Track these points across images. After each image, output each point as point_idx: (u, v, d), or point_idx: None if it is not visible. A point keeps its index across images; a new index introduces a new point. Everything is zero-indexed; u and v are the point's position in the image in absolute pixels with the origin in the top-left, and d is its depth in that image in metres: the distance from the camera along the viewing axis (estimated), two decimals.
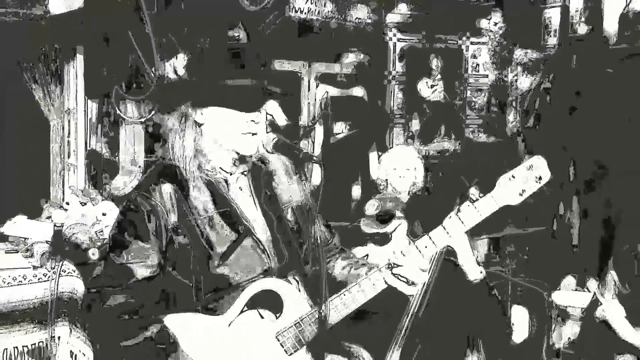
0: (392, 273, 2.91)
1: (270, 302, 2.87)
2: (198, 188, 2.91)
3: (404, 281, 2.91)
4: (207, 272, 2.85)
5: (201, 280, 2.86)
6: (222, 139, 2.94)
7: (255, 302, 2.85)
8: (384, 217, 4.58)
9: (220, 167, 2.97)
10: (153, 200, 2.84)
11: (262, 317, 2.85)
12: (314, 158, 3.13)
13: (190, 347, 2.75)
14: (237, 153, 2.96)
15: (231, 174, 3.01)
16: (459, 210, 2.98)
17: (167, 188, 2.87)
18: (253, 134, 2.92)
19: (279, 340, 2.85)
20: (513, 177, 2.91)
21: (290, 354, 2.85)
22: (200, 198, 2.90)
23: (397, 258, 2.90)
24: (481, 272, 4.45)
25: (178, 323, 2.78)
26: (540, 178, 2.90)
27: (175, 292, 2.87)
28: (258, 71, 3.06)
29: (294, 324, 2.86)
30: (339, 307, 2.90)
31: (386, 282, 2.92)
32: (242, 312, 2.84)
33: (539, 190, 2.91)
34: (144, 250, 2.82)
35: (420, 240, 2.92)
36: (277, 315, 2.87)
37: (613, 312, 4.40)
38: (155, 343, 2.72)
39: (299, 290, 2.94)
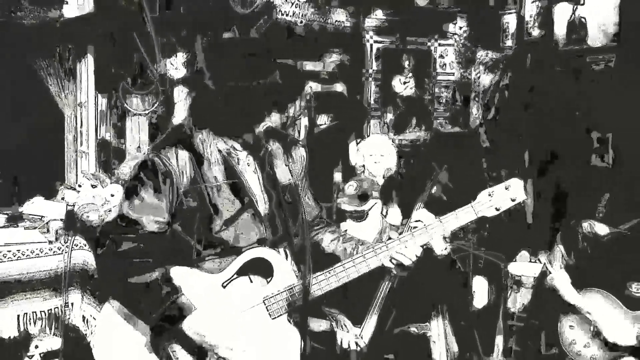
0: (390, 259, 2.94)
1: (261, 268, 2.87)
2: (212, 159, 2.89)
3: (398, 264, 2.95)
4: (209, 234, 2.84)
5: (202, 240, 2.85)
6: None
7: (248, 268, 2.85)
8: (362, 197, 4.62)
9: (232, 146, 2.95)
10: (170, 164, 2.80)
11: (251, 282, 2.86)
12: (299, 142, 3.18)
13: (189, 296, 2.76)
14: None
15: (241, 151, 2.97)
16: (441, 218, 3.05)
17: (183, 155, 2.83)
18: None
19: (265, 304, 2.86)
20: (491, 194, 2.93)
21: (274, 318, 2.85)
22: (213, 168, 2.88)
23: (401, 249, 2.93)
24: (446, 249, 4.51)
25: (180, 274, 2.79)
26: (514, 199, 2.94)
27: (178, 247, 2.86)
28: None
29: (283, 292, 2.87)
30: (324, 284, 2.91)
31: (383, 265, 2.94)
32: (235, 274, 2.85)
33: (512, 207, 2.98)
34: (155, 207, 2.79)
35: (417, 232, 2.96)
36: (268, 280, 2.88)
37: (560, 280, 4.47)
38: (160, 284, 2.73)
39: (287, 261, 2.93)
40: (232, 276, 2.85)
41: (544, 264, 4.68)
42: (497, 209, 2.93)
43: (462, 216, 2.95)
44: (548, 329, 4.79)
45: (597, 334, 4.28)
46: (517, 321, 5.34)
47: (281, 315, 2.86)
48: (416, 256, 2.95)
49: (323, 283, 2.91)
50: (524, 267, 5.35)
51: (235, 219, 2.88)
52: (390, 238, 3.05)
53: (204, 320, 2.76)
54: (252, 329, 2.82)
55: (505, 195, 2.93)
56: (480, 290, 5.52)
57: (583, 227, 4.56)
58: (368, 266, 2.93)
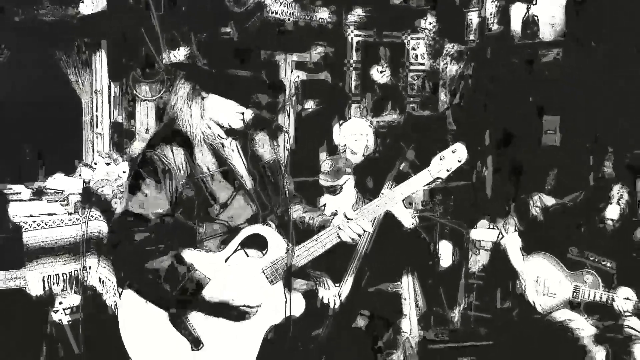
0: (345, 234, 2.99)
1: (257, 243, 2.95)
2: (201, 151, 2.91)
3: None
4: (208, 217, 2.90)
5: (203, 224, 2.92)
6: (218, 115, 2.93)
7: (246, 243, 2.93)
8: (336, 173, 4.61)
9: (218, 135, 2.98)
10: (168, 161, 2.83)
11: (247, 256, 2.94)
12: (283, 128, 3.20)
13: (202, 270, 2.83)
14: (223, 125, 2.96)
15: (225, 139, 3.01)
16: (393, 182, 3.15)
17: (179, 151, 2.86)
18: (242, 114, 2.93)
19: (264, 273, 2.94)
20: (442, 157, 3.03)
21: (272, 283, 2.94)
22: (204, 159, 2.91)
23: (348, 226, 2.99)
24: (413, 223, 4.56)
25: (190, 255, 2.86)
26: (460, 160, 3.03)
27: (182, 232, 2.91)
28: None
29: (276, 262, 2.95)
30: (305, 254, 3.00)
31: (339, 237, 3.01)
32: (235, 250, 2.92)
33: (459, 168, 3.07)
34: (157, 201, 2.82)
35: (370, 205, 3.05)
36: (264, 253, 2.96)
37: (511, 244, 4.52)
38: (175, 266, 2.79)
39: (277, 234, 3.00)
40: (234, 252, 2.93)
41: (500, 230, 4.73)
42: (448, 170, 3.03)
43: (419, 180, 3.05)
44: (503, 286, 4.87)
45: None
46: (476, 279, 5.43)
47: (278, 281, 2.96)
48: (364, 230, 3.02)
49: (304, 254, 3.00)
50: (483, 233, 5.39)
51: (230, 202, 2.94)
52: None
53: (219, 287, 2.83)
54: (257, 294, 2.90)
55: (453, 157, 3.02)
56: (446, 253, 5.57)
57: (533, 199, 4.61)
58: (331, 242, 3.02)
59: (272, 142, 3.14)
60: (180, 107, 2.94)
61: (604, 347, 4.05)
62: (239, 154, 3.07)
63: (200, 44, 4.98)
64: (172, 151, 2.86)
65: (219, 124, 2.96)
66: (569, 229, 4.34)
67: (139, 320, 2.89)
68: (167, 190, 2.84)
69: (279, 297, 2.95)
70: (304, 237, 3.03)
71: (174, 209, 2.87)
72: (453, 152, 3.03)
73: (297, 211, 3.32)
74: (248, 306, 2.87)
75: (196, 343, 2.86)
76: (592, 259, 4.26)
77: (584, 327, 4.19)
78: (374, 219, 3.26)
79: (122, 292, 2.93)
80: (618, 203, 4.20)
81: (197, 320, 2.89)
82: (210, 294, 2.82)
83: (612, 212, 4.21)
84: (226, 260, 2.92)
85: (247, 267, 2.94)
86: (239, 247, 2.93)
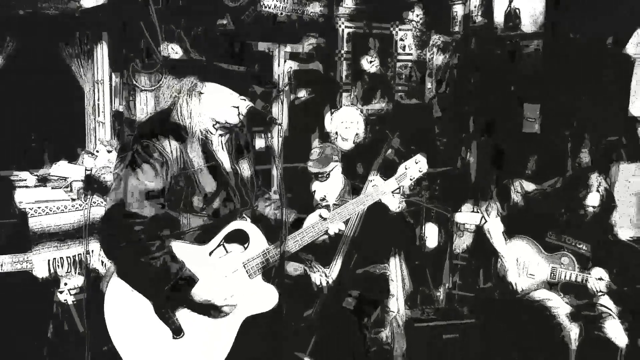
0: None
1: (239, 238, 2.97)
2: (193, 145, 2.90)
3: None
4: (193, 210, 2.89)
5: (187, 217, 2.90)
6: (216, 107, 2.92)
7: (228, 237, 2.95)
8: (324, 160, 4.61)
9: (207, 130, 2.96)
10: (166, 154, 2.81)
11: (227, 252, 2.95)
12: (277, 121, 3.22)
13: (191, 268, 2.84)
14: (217, 121, 2.95)
15: (213, 134, 2.99)
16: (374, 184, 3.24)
17: (174, 144, 2.84)
18: (237, 108, 2.92)
19: (245, 267, 2.96)
20: (407, 167, 3.22)
21: (250, 277, 2.96)
22: (195, 154, 2.90)
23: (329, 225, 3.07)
24: (398, 207, 4.57)
25: (177, 247, 2.85)
26: (421, 170, 3.22)
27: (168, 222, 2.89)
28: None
29: (259, 255, 2.97)
30: (292, 244, 3.05)
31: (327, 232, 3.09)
32: (219, 245, 2.93)
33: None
34: (154, 192, 2.80)
35: (345, 207, 3.15)
36: (245, 247, 2.98)
37: (493, 228, 4.55)
38: (167, 262, 2.78)
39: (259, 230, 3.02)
40: (217, 246, 2.94)
41: (483, 215, 4.75)
42: (411, 179, 3.22)
43: (387, 186, 3.21)
44: (485, 267, 4.90)
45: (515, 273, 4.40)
46: (460, 260, 5.45)
47: (257, 274, 2.98)
48: (339, 230, 3.10)
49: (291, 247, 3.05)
50: (467, 216, 5.41)
51: (215, 197, 2.94)
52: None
53: (206, 286, 2.84)
54: (237, 288, 2.92)
55: (415, 167, 3.21)
56: (431, 235, 5.57)
57: (514, 185, 4.63)
58: (310, 236, 3.08)
59: (266, 134, 3.08)
60: (180, 102, 2.92)
61: (578, 324, 4.11)
62: (224, 150, 3.07)
63: (195, 40, 4.96)
64: (169, 144, 2.85)
65: (216, 120, 2.96)
66: (547, 213, 4.37)
67: (124, 308, 2.87)
68: (163, 179, 2.82)
69: (256, 290, 2.98)
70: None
71: (165, 200, 2.86)
72: (416, 162, 3.21)
73: (269, 206, 3.32)
74: (229, 305, 2.90)
75: (177, 332, 2.88)
76: (569, 242, 4.29)
77: (560, 306, 4.25)
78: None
79: (109, 280, 2.89)
80: (598, 190, 4.23)
81: (179, 311, 2.91)
82: (197, 293, 2.83)
83: (593, 199, 4.25)
84: (210, 253, 2.93)
85: (228, 261, 2.95)
86: (222, 242, 2.94)
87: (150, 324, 2.86)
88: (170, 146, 2.84)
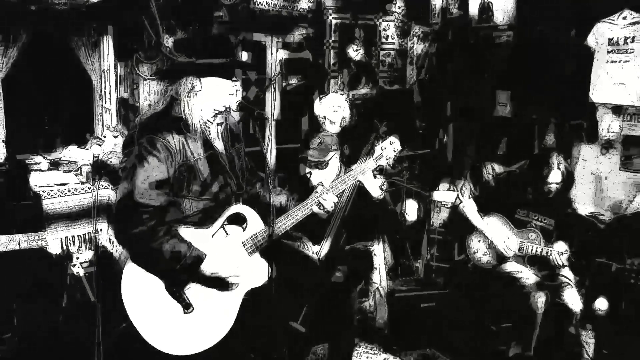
0: (317, 207, 3.19)
1: (237, 219, 3.07)
2: (194, 137, 2.97)
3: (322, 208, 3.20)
4: (194, 196, 2.97)
5: (190, 202, 2.98)
6: (215, 98, 2.99)
7: (229, 220, 3.05)
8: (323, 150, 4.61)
9: (207, 121, 3.02)
10: (170, 146, 2.87)
11: (227, 234, 3.05)
12: (264, 115, 3.26)
13: (198, 247, 2.92)
14: (218, 110, 3.03)
15: (211, 123, 3.06)
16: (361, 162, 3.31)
17: (176, 137, 2.90)
18: (234, 95, 3.04)
19: (244, 246, 3.05)
20: (383, 148, 3.34)
21: (250, 254, 3.07)
22: (195, 144, 2.96)
23: (324, 199, 3.17)
24: (380, 195, 4.59)
25: (184, 232, 2.94)
26: (395, 150, 3.34)
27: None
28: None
29: (256, 235, 3.07)
30: (284, 223, 3.14)
31: (312, 210, 3.18)
32: (220, 227, 3.03)
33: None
34: (160, 177, 2.86)
35: (340, 180, 3.26)
36: (243, 228, 3.07)
37: (468, 207, 4.56)
38: (178, 246, 2.86)
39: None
40: (219, 228, 3.03)
41: (457, 194, 4.77)
42: (387, 159, 3.33)
43: (365, 167, 3.33)
44: (459, 241, 4.93)
45: (492, 246, 4.42)
46: (437, 234, 5.49)
47: (254, 252, 3.07)
48: (334, 203, 3.20)
49: (281, 225, 3.13)
50: (444, 194, 5.45)
51: (214, 182, 3.02)
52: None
53: (214, 263, 2.92)
54: (239, 263, 3.00)
55: (390, 147, 3.33)
56: (411, 210, 5.63)
57: (486, 167, 4.64)
58: (302, 214, 3.17)
59: (255, 127, 3.15)
60: (182, 101, 2.97)
61: (544, 293, 4.16)
62: (220, 139, 3.13)
63: (177, 42, 4.96)
64: (172, 137, 2.90)
65: (216, 110, 3.03)
66: (516, 192, 4.39)
67: (139, 288, 2.95)
68: (168, 170, 2.87)
69: (255, 266, 3.06)
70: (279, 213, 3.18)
71: (170, 187, 2.92)
72: (391, 143, 3.32)
73: (264, 190, 3.40)
74: (235, 276, 2.98)
75: (187, 307, 2.96)
76: (535, 218, 4.33)
77: (528, 277, 4.30)
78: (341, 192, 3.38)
79: (125, 264, 2.97)
80: (558, 168, 4.25)
81: (189, 289, 2.99)
82: (206, 267, 2.91)
83: (555, 176, 4.25)
84: (212, 235, 3.01)
85: (229, 241, 3.04)
86: (226, 223, 3.02)
87: (163, 301, 2.95)
88: (173, 139, 2.90)
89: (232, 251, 3.02)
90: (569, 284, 4.18)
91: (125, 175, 2.87)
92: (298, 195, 3.42)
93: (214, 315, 2.99)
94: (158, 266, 2.91)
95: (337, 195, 3.23)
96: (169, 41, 5.17)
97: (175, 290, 2.97)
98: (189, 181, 2.95)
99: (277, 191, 3.43)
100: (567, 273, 4.27)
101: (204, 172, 2.99)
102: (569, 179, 4.37)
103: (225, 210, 3.04)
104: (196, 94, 2.98)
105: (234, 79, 3.04)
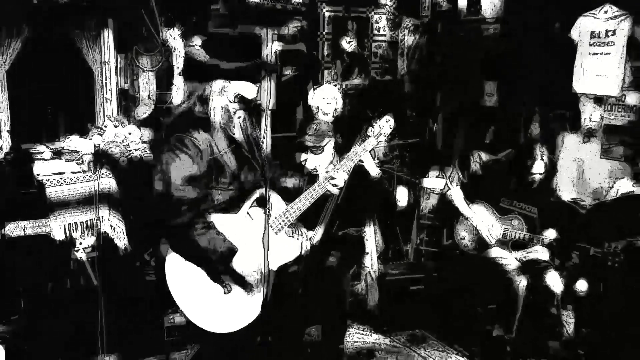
0: (331, 184, 3.32)
1: (263, 202, 3.15)
2: (217, 134, 3.13)
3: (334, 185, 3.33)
4: (222, 186, 3.14)
5: (219, 193, 3.14)
6: (240, 91, 3.14)
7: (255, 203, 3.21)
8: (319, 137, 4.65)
9: (230, 116, 3.17)
10: (198, 143, 3.03)
11: (252, 218, 3.19)
12: (262, 107, 3.34)
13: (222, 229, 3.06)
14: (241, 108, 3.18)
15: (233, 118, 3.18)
16: (362, 142, 3.46)
17: (203, 134, 3.07)
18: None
19: (270, 226, 3.16)
20: (381, 126, 3.47)
21: (276, 233, 3.23)
22: (220, 139, 3.13)
23: (334, 176, 3.32)
24: (378, 173, 4.63)
25: (216, 219, 3.10)
26: (391, 127, 3.50)
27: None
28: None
29: (280, 215, 3.24)
30: (302, 203, 3.28)
31: (326, 188, 3.32)
32: (248, 209, 3.19)
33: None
34: (195, 177, 3.02)
35: (346, 159, 3.41)
36: (268, 210, 3.12)
37: (455, 195, 4.61)
38: (215, 238, 3.03)
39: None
40: (246, 211, 3.18)
41: (446, 181, 4.82)
42: (385, 135, 3.51)
43: (367, 145, 3.47)
44: (447, 227, 4.99)
45: (477, 233, 4.47)
46: (427, 220, 5.53)
47: (280, 230, 3.26)
48: (344, 180, 3.36)
49: (296, 209, 3.29)
50: (433, 181, 5.48)
51: (240, 172, 3.19)
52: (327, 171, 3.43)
53: (242, 260, 3.09)
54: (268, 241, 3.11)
55: (387, 125, 3.50)
56: (402, 196, 5.67)
57: (474, 155, 4.68)
58: (317, 193, 3.31)
59: (252, 119, 3.27)
60: (211, 101, 3.14)
61: (526, 277, 4.22)
62: (241, 131, 3.24)
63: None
64: (200, 135, 3.06)
65: (239, 108, 3.17)
66: (501, 181, 4.44)
67: (181, 274, 3.10)
68: (198, 165, 3.03)
69: (282, 244, 3.28)
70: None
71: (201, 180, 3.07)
72: (387, 121, 3.49)
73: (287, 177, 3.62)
74: (257, 279, 3.14)
75: (227, 288, 3.11)
76: (519, 207, 4.38)
77: (511, 262, 4.36)
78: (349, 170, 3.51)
79: (167, 255, 3.12)
80: (542, 159, 4.30)
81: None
82: (236, 264, 3.09)
83: (538, 167, 4.31)
84: (241, 220, 3.17)
85: (255, 224, 3.18)
86: (254, 204, 3.19)
87: (204, 285, 3.10)
88: (200, 136, 3.06)
89: (259, 232, 3.13)
90: (551, 267, 4.25)
91: (158, 172, 3.02)
92: (308, 177, 3.59)
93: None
94: (197, 256, 3.07)
95: (346, 173, 3.38)
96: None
97: (215, 276, 3.11)
98: (218, 174, 3.10)
99: (289, 174, 3.61)
100: (548, 257, 4.34)
101: (231, 165, 3.14)
102: (552, 169, 4.43)
103: (250, 196, 3.20)
104: (224, 95, 3.13)
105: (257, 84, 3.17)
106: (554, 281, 4.16)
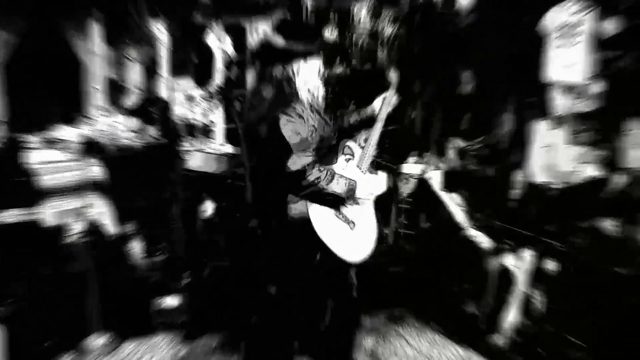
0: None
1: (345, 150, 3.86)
2: (307, 109, 3.58)
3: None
4: (321, 150, 3.66)
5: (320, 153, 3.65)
6: (315, 73, 3.82)
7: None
8: None
9: (309, 88, 3.77)
10: (296, 118, 3.45)
11: (347, 162, 3.83)
12: (239, 96, 3.55)
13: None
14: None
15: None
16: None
17: (300, 108, 3.54)
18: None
19: (359, 167, 3.86)
20: (385, 97, 3.99)
21: (364, 173, 3.85)
22: (309, 112, 3.57)
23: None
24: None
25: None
26: (394, 96, 4.01)
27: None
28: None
29: (360, 159, 3.85)
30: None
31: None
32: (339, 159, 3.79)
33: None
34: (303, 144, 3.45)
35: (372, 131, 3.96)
36: (353, 155, 3.89)
37: (434, 180, 4.71)
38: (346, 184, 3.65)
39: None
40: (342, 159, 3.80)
41: (424, 167, 4.89)
42: (389, 104, 4.00)
43: (382, 115, 3.98)
44: (425, 210, 5.08)
45: (453, 216, 4.59)
46: (405, 204, 5.64)
47: (366, 170, 3.86)
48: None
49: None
50: (411, 167, 5.57)
51: (328, 136, 3.72)
52: None
53: (361, 188, 3.72)
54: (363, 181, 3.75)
55: (391, 93, 4.07)
56: (381, 182, 5.67)
57: (450, 141, 4.78)
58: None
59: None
60: (297, 79, 3.70)
61: (498, 257, 4.34)
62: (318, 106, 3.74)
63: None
64: (296, 110, 3.53)
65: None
66: (476, 168, 4.53)
67: (320, 218, 3.59)
68: (302, 136, 3.44)
69: (372, 179, 3.84)
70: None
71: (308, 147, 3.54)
72: (391, 92, 4.00)
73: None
74: (370, 193, 3.80)
75: (352, 224, 3.68)
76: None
77: (484, 241, 4.48)
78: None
79: (309, 206, 3.59)
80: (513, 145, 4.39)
81: (348, 211, 3.72)
82: (359, 193, 3.68)
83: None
84: (343, 168, 3.76)
85: (350, 167, 3.79)
86: (343, 152, 3.79)
87: (336, 222, 3.64)
88: (296, 111, 3.50)
89: (355, 173, 3.76)
90: (522, 248, 4.36)
91: (278, 151, 3.43)
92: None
93: (368, 225, 3.79)
94: (328, 201, 3.59)
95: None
96: (154, 27, 5.17)
97: (341, 214, 3.66)
98: (315, 140, 3.51)
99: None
100: (520, 237, 4.45)
101: (323, 132, 3.58)
102: (523, 156, 4.53)
103: (339, 147, 3.80)
104: (303, 71, 3.65)
105: None
106: (524, 261, 4.26)
